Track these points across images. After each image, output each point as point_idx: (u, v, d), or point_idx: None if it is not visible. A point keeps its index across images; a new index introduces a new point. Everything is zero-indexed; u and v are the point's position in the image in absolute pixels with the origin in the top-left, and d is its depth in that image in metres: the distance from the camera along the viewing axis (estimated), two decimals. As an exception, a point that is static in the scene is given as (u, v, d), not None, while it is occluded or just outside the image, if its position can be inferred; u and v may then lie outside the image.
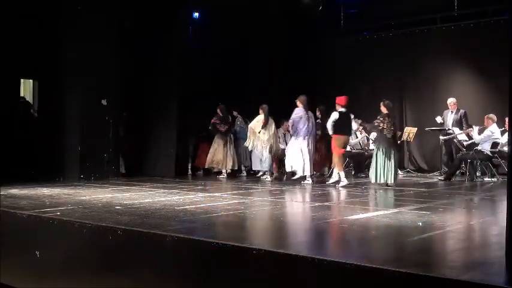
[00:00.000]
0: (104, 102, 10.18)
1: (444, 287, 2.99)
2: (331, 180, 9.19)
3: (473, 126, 10.25)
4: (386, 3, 12.96)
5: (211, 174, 11.31)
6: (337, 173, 9.06)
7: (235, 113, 11.36)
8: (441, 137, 10.96)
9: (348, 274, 3.27)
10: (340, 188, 8.61)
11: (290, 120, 9.62)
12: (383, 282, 3.15)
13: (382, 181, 8.66)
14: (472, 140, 10.11)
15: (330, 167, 9.66)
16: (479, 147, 9.83)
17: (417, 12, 12.69)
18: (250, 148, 10.39)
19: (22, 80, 11.10)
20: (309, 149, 9.47)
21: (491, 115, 9.88)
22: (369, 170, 11.63)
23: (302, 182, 9.37)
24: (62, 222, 5.07)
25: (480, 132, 9.98)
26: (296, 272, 3.51)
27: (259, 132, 10.06)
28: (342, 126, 9.05)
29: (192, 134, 11.99)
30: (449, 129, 10.82)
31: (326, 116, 9.61)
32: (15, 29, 9.74)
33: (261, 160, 10.49)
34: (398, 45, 12.92)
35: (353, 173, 11.37)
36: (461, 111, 10.94)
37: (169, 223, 4.89)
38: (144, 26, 11.17)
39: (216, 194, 7.63)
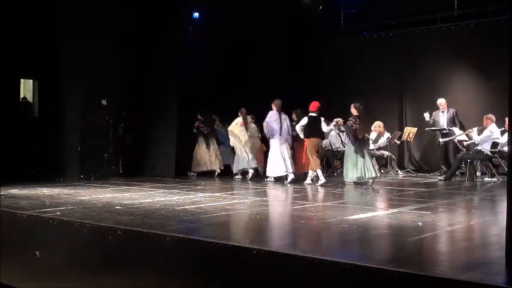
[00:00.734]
0: (104, 102, 10.18)
1: (444, 287, 2.99)
2: (307, 181, 9.46)
3: (472, 129, 10.24)
4: (386, 3, 12.95)
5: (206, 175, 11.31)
6: (314, 174, 9.42)
7: (214, 116, 11.74)
8: (440, 140, 10.97)
9: (348, 274, 3.27)
10: (319, 187, 8.90)
11: (264, 123, 10.01)
12: (383, 282, 3.15)
13: (358, 175, 9.01)
14: (472, 141, 10.11)
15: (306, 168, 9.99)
16: (479, 147, 9.83)
17: (417, 12, 12.68)
18: (233, 145, 10.80)
19: (22, 80, 11.11)
20: (283, 149, 9.87)
21: (490, 115, 9.88)
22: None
23: (285, 182, 9.64)
24: (62, 222, 5.07)
25: (480, 132, 9.98)
26: (296, 272, 3.51)
27: (238, 134, 10.57)
28: (313, 130, 9.53)
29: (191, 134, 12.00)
30: (449, 129, 10.83)
31: (301, 119, 9.96)
32: (15, 29, 9.74)
33: (242, 159, 10.77)
34: (398, 45, 12.92)
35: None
36: (452, 110, 11.00)
37: (169, 223, 4.89)
38: (144, 26, 11.18)
39: (216, 194, 7.64)
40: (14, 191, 7.70)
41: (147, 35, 11.14)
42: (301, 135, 9.64)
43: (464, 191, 8.66)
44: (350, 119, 9.28)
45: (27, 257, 5.17)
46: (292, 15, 13.27)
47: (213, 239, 4.03)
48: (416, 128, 11.90)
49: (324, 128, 9.69)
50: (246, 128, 10.64)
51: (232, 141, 10.72)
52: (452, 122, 10.90)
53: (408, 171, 12.01)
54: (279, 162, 9.79)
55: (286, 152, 9.92)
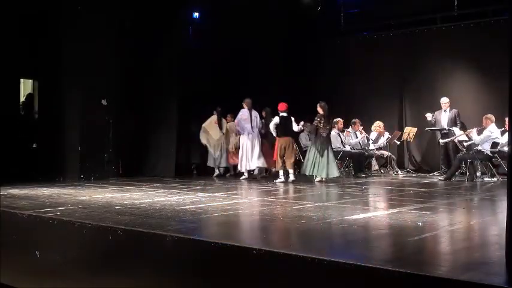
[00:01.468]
0: (104, 102, 10.18)
1: (444, 287, 2.99)
2: (280, 179, 9.80)
3: (472, 129, 10.24)
4: (386, 3, 12.95)
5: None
6: (291, 171, 9.89)
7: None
8: (440, 141, 10.96)
9: (348, 274, 3.27)
10: (291, 184, 9.42)
11: (236, 121, 10.69)
12: (383, 282, 3.15)
13: (314, 173, 9.67)
14: (472, 141, 10.11)
15: (273, 165, 10.49)
16: (479, 147, 9.83)
17: (417, 12, 12.67)
18: (204, 144, 11.28)
19: (22, 80, 11.11)
20: (253, 145, 10.54)
21: (490, 115, 9.87)
22: (368, 170, 11.78)
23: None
24: (62, 222, 5.08)
25: (479, 132, 9.98)
26: (296, 272, 3.51)
27: (211, 132, 11.14)
28: (283, 129, 10.00)
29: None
30: (449, 129, 10.82)
31: (270, 116, 10.61)
32: (16, 29, 9.74)
33: (214, 158, 11.29)
34: (398, 45, 12.92)
35: (353, 173, 11.37)
36: (454, 110, 10.98)
37: (169, 223, 4.89)
38: (144, 26, 11.17)
39: (216, 194, 7.64)
40: (14, 191, 7.70)
41: (147, 35, 11.14)
42: (274, 134, 10.08)
43: (464, 191, 8.65)
44: (315, 118, 9.78)
45: (27, 257, 5.17)
46: (292, 15, 13.27)
47: (213, 239, 4.03)
48: (416, 128, 11.90)
49: (295, 127, 10.13)
50: (220, 127, 11.18)
51: (204, 139, 11.14)
52: (453, 122, 10.87)
53: (408, 171, 12.00)
54: (248, 157, 10.48)
55: (257, 148, 10.55)
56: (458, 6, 11.82)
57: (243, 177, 10.53)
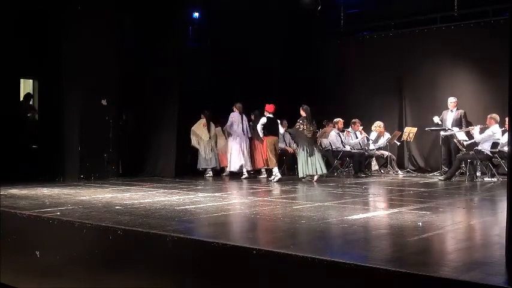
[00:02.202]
0: (104, 102, 10.18)
1: (444, 287, 2.99)
2: (275, 179, 10.01)
3: (475, 126, 10.23)
4: (386, 3, 12.95)
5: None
6: (275, 170, 10.21)
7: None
8: (442, 133, 10.96)
9: (347, 274, 3.27)
10: (275, 183, 9.72)
11: (228, 123, 11.01)
12: (383, 282, 3.15)
13: (310, 173, 9.81)
14: (473, 140, 10.10)
15: (265, 165, 10.76)
16: (479, 147, 9.82)
17: (417, 12, 12.68)
18: (195, 146, 11.41)
19: (22, 80, 11.11)
20: (243, 147, 10.92)
21: (494, 115, 9.83)
22: (368, 170, 11.77)
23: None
24: (62, 222, 5.07)
25: (481, 131, 9.97)
26: (296, 272, 3.51)
27: (200, 134, 11.31)
28: (270, 129, 10.45)
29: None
30: (449, 128, 10.82)
31: (259, 119, 10.77)
32: (16, 29, 9.74)
33: (205, 159, 11.41)
34: (398, 45, 12.92)
35: (353, 173, 11.37)
36: (461, 110, 10.95)
37: (169, 223, 4.89)
38: (144, 26, 11.17)
39: (216, 194, 7.64)
40: (14, 191, 7.70)
41: (147, 35, 11.14)
42: (261, 134, 10.49)
43: (464, 191, 8.65)
44: (298, 121, 10.01)
45: (27, 257, 5.17)
46: (292, 15, 13.27)
47: (213, 239, 4.03)
48: (416, 128, 11.89)
49: (281, 129, 10.63)
50: (209, 129, 11.39)
51: (194, 141, 11.30)
52: (458, 122, 10.82)
53: (408, 171, 12.00)
54: (236, 158, 10.86)
55: (246, 150, 10.94)
56: (458, 6, 11.82)
57: (244, 176, 10.71)
